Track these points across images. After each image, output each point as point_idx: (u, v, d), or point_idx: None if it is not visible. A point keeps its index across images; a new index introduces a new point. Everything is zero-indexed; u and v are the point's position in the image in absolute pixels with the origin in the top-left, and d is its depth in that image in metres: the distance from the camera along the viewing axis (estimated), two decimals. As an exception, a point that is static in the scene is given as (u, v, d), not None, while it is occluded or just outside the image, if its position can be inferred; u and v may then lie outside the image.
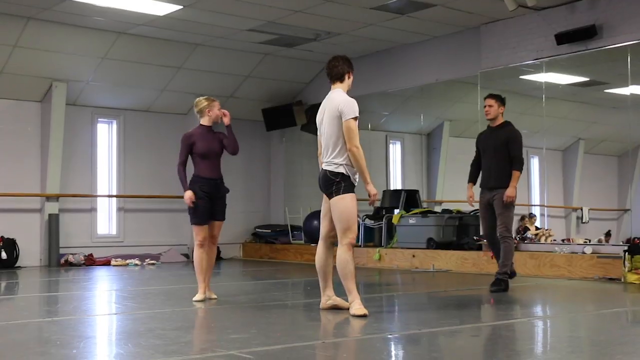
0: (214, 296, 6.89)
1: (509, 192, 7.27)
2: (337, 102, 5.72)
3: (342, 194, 5.66)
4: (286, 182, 14.23)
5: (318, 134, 6.00)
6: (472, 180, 7.72)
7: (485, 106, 7.57)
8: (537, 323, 5.62)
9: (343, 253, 5.64)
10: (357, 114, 5.69)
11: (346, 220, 5.66)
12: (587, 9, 9.57)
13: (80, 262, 11.63)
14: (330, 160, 5.75)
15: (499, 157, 7.42)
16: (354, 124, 5.66)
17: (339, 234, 5.70)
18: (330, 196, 5.74)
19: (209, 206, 6.76)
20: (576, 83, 11.47)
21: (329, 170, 5.73)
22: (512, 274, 7.51)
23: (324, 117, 5.85)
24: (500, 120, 7.56)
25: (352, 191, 5.73)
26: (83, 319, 5.76)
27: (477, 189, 7.68)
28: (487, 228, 7.53)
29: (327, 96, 5.92)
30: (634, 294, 7.43)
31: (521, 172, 7.41)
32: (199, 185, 6.75)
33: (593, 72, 11.12)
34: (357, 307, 5.56)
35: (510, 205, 7.34)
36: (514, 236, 10.13)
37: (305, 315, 5.99)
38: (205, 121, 6.92)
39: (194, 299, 6.70)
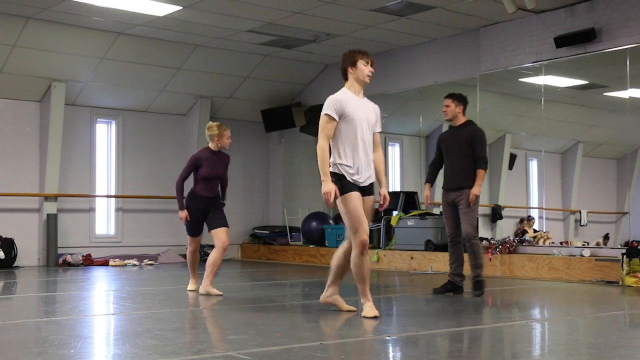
0: (218, 292, 7.21)
1: (475, 190, 7.17)
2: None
3: (342, 194, 5.58)
4: (285, 183, 14.23)
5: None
6: (430, 180, 7.60)
7: (443, 107, 7.46)
8: (535, 326, 5.62)
9: (355, 256, 5.63)
10: (328, 111, 5.60)
11: (351, 221, 5.60)
12: (586, 12, 9.58)
13: (79, 262, 11.62)
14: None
15: (462, 156, 7.30)
16: (323, 120, 5.62)
17: (350, 236, 5.65)
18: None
19: (201, 220, 7.37)
20: (575, 86, 11.48)
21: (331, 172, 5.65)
22: (459, 285, 7.37)
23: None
24: (461, 120, 7.43)
25: (353, 190, 5.58)
26: (81, 319, 5.76)
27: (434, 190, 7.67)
28: (453, 228, 7.38)
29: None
30: (632, 297, 7.43)
31: (486, 171, 7.31)
32: (195, 202, 7.28)
33: (592, 75, 11.13)
34: (368, 309, 5.56)
35: (475, 204, 7.28)
36: (512, 238, 10.15)
37: (303, 317, 5.99)
38: (212, 146, 7.35)
39: (188, 288, 7.60)
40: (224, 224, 7.31)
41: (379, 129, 5.83)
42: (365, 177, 5.65)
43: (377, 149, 5.78)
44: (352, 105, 5.65)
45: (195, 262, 7.66)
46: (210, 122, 7.57)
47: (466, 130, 7.38)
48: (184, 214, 7.30)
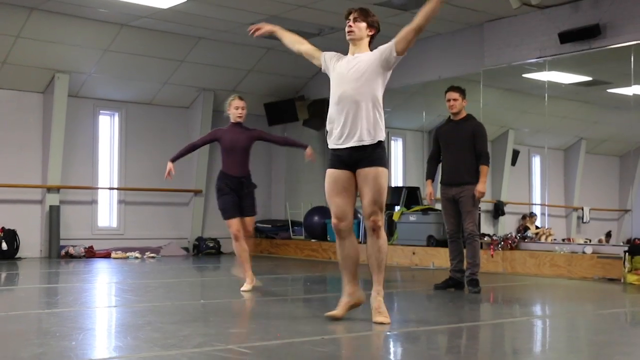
0: (259, 283, 7.03)
1: (480, 187, 7.09)
2: None
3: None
4: (287, 177, 14.23)
5: None
6: (431, 176, 7.49)
7: (449, 100, 7.31)
8: (536, 322, 5.61)
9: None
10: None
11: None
12: (591, 8, 9.55)
13: (81, 254, 11.64)
14: None
15: (464, 151, 7.20)
16: None
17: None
18: None
19: (235, 200, 6.90)
20: (579, 82, 11.46)
21: None
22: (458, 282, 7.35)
23: None
24: (463, 114, 7.36)
25: (331, 165, 5.05)
26: (82, 311, 5.76)
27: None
28: (453, 225, 7.30)
29: None
30: (634, 295, 7.43)
31: (489, 167, 7.24)
32: (225, 182, 6.93)
33: (596, 72, 11.11)
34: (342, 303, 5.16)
35: (479, 201, 7.24)
36: (514, 235, 10.15)
37: (304, 311, 5.99)
38: (231, 119, 7.12)
39: (242, 289, 6.84)
40: (249, 211, 6.97)
41: (393, 41, 5.11)
42: (347, 138, 4.95)
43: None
44: (339, 63, 5.13)
45: (244, 254, 6.92)
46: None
47: (468, 125, 7.31)
48: (169, 165, 6.95)
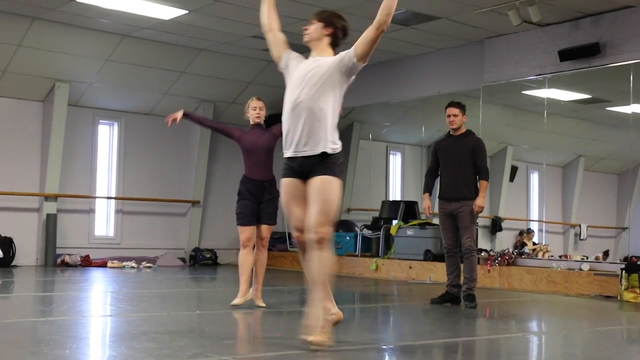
0: (263, 304, 6.60)
1: (479, 202, 7.09)
2: None
3: None
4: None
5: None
6: (429, 190, 7.50)
7: (449, 115, 7.31)
8: (532, 338, 5.60)
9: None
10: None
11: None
12: (591, 27, 9.60)
13: (77, 262, 11.61)
14: None
15: (464, 167, 7.21)
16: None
17: None
18: None
19: (254, 208, 6.58)
20: (578, 100, 11.49)
21: None
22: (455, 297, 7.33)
23: None
24: (463, 129, 7.37)
25: (284, 175, 4.72)
26: (77, 319, 5.74)
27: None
28: (451, 240, 7.29)
29: None
30: (630, 312, 7.41)
31: (488, 182, 7.25)
32: (246, 186, 6.65)
33: (595, 90, 11.14)
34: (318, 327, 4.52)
35: (477, 216, 7.23)
36: (511, 250, 10.14)
37: (300, 323, 5.97)
38: (250, 119, 6.92)
39: (232, 302, 6.49)
40: (268, 219, 6.62)
41: (350, 51, 4.68)
42: (298, 146, 4.60)
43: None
44: (300, 65, 4.82)
45: (245, 264, 6.62)
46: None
47: (468, 140, 7.33)
48: (180, 114, 6.97)
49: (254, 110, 6.87)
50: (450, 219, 7.27)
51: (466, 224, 7.16)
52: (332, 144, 4.61)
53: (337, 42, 4.82)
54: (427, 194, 7.51)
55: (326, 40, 4.79)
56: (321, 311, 4.50)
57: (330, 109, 4.63)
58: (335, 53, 4.79)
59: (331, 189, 4.53)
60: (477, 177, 7.24)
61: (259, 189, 6.61)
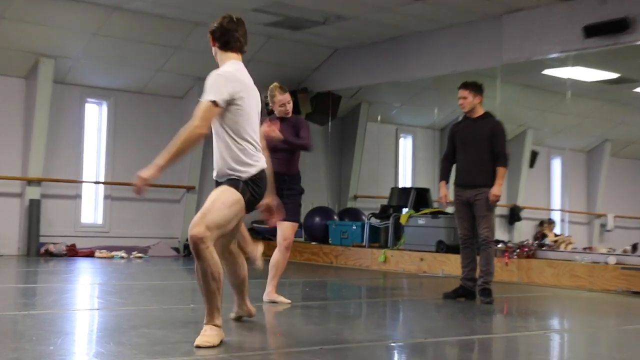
0: (285, 300, 6.49)
1: (495, 190, 7.06)
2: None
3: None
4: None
5: (258, 117, 4.86)
6: (446, 177, 7.47)
7: (459, 98, 7.29)
8: (554, 337, 5.58)
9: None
10: None
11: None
12: (618, 0, 9.52)
13: (62, 252, 11.61)
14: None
15: (481, 152, 7.18)
16: None
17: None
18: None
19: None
20: (604, 80, 11.44)
21: None
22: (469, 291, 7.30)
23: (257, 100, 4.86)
24: (479, 111, 7.31)
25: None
26: (62, 313, 5.73)
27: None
28: (466, 229, 7.27)
29: (241, 69, 4.92)
30: (659, 310, 7.40)
31: (507, 169, 7.21)
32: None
33: (623, 69, 11.09)
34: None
35: (495, 205, 7.20)
36: (531, 242, 10.12)
37: (302, 319, 5.96)
38: (276, 113, 6.66)
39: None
40: (292, 217, 6.52)
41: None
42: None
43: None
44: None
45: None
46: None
47: (486, 123, 7.27)
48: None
49: (282, 107, 6.58)
50: (467, 208, 7.24)
51: (483, 213, 7.13)
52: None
53: (221, 49, 5.07)
54: (443, 182, 7.48)
55: (218, 54, 5.12)
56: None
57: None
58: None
59: (218, 193, 4.55)
60: (495, 162, 7.19)
61: (281, 182, 6.23)
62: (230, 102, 4.60)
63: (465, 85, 7.30)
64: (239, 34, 4.96)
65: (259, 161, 4.63)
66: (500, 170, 7.16)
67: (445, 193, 7.43)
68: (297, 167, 6.70)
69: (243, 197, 4.53)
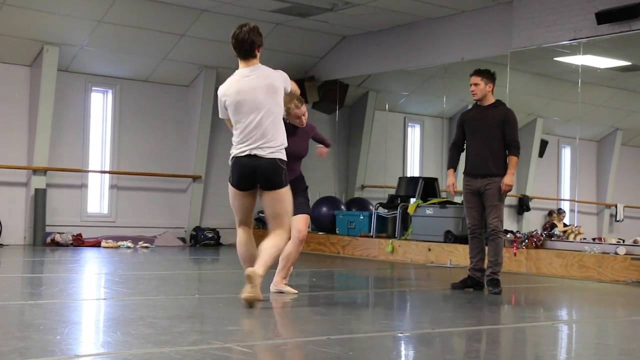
0: (292, 291, 6.54)
1: (507, 180, 7.06)
2: (273, 77, 5.76)
3: (287, 184, 5.77)
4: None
5: (231, 117, 5.71)
6: (454, 165, 7.46)
7: (470, 85, 7.28)
8: (562, 327, 5.60)
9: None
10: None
11: (290, 213, 5.85)
12: (631, -14, 9.48)
13: (68, 242, 11.68)
14: (269, 145, 5.63)
15: (492, 140, 7.17)
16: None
17: (282, 226, 5.76)
18: (276, 187, 5.67)
19: None
20: (616, 67, 11.40)
21: (278, 158, 5.64)
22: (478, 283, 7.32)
23: (252, 97, 5.61)
24: (490, 99, 7.29)
25: None
26: (69, 303, 5.78)
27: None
28: (476, 219, 7.27)
29: (241, 73, 5.69)
30: (669, 301, 7.41)
31: (518, 158, 7.21)
32: None
33: (635, 56, 11.05)
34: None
35: (505, 195, 7.21)
36: (540, 232, 10.13)
37: (309, 309, 5.99)
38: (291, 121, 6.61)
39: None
40: (304, 209, 6.66)
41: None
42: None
43: None
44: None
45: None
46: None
47: (497, 111, 7.27)
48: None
49: (298, 119, 6.56)
50: (476, 197, 7.25)
51: (493, 203, 7.14)
52: None
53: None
54: (451, 170, 7.47)
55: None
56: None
57: None
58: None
59: None
60: (507, 151, 7.20)
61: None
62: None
63: (478, 72, 7.29)
64: (232, 43, 5.68)
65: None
66: (513, 159, 7.16)
67: (453, 181, 7.43)
68: (300, 170, 6.86)
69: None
